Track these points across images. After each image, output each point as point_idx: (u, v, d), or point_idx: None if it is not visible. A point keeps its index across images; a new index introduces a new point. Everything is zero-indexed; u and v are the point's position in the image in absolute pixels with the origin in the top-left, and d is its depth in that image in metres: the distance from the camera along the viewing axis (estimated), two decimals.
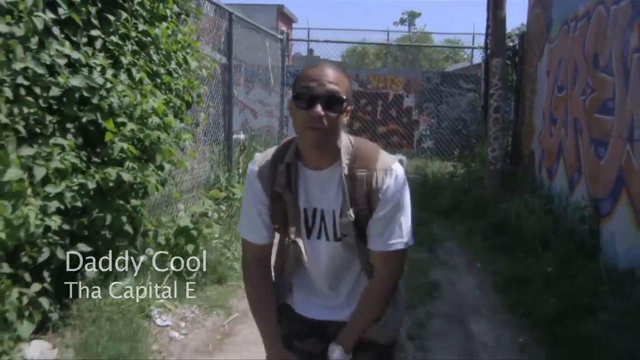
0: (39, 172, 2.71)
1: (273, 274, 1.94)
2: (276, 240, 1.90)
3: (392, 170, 1.71)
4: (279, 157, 1.76)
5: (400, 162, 1.77)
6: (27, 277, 2.79)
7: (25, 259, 2.77)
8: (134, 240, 3.89)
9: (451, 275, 5.21)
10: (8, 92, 2.52)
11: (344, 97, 1.64)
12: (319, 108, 1.59)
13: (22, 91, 2.62)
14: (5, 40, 2.50)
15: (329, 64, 1.70)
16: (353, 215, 1.69)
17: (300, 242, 1.76)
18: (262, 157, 1.81)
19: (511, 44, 9.59)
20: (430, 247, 6.00)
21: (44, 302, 2.91)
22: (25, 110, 2.66)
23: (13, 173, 2.42)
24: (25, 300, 2.76)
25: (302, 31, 24.66)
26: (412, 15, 44.63)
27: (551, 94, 7.18)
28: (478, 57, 16.19)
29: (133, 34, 3.61)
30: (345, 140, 1.74)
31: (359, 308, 1.80)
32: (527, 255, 5.17)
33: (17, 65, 2.53)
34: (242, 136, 7.85)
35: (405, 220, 1.74)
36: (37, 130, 2.85)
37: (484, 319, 4.26)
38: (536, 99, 8.09)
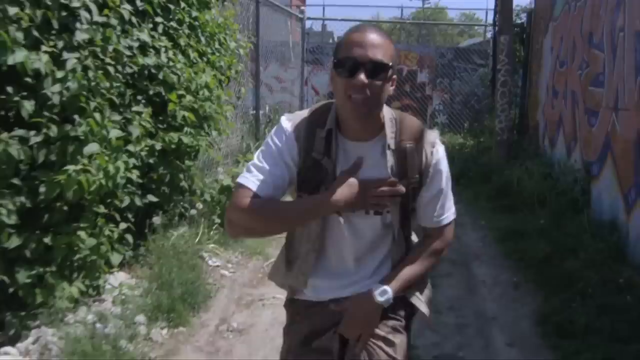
0: (135, 132, 3.42)
1: (284, 262, 1.83)
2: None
3: (439, 144, 1.69)
4: (317, 121, 1.65)
5: None
6: (117, 217, 3.52)
7: (116, 203, 3.50)
8: (187, 196, 4.62)
9: (458, 231, 5.80)
10: (110, 70, 3.22)
11: (389, 63, 1.53)
12: (362, 76, 1.49)
13: (111, 69, 3.31)
14: (103, 27, 3.18)
15: (373, 28, 1.57)
16: (403, 189, 1.61)
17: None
18: (296, 117, 1.69)
19: (519, 21, 10.11)
20: None
21: (129, 237, 3.65)
22: (114, 84, 3.36)
23: (115, 132, 3.13)
24: (115, 235, 3.50)
25: (317, 7, 25.07)
26: None
27: (553, 69, 7.76)
28: (491, 33, 16.65)
29: (187, 19, 4.28)
30: (388, 112, 1.67)
31: (409, 258, 1.73)
32: (525, 213, 5.84)
33: (111, 48, 3.22)
34: (266, 109, 8.53)
35: (451, 191, 1.74)
36: (119, 101, 3.55)
37: (484, 263, 4.96)
38: (541, 74, 8.67)
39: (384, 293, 1.65)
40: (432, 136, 1.68)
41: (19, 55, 2.68)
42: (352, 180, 1.57)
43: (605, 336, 3.34)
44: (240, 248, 4.91)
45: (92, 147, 3.09)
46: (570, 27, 6.96)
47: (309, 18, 10.87)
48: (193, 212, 4.77)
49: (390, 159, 1.62)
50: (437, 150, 1.67)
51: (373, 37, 1.52)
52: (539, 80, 8.79)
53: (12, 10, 2.58)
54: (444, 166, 1.68)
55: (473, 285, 4.49)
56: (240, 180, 1.61)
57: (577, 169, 5.92)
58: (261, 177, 1.60)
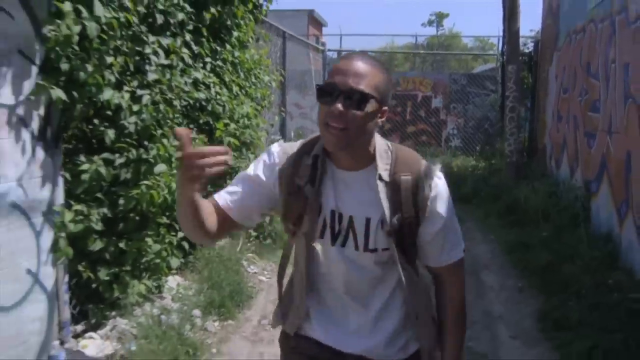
0: None
1: (280, 299, 1.78)
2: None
3: (438, 175, 1.59)
4: (306, 149, 1.60)
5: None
6: (176, 226, 4.15)
7: (174, 215, 4.13)
8: None
9: (469, 245, 6.44)
10: (176, 103, 3.89)
11: (371, 93, 1.44)
12: (339, 104, 1.42)
13: (176, 103, 3.98)
14: (166, 68, 3.86)
15: (362, 55, 1.51)
16: (397, 223, 1.52)
17: (319, 247, 1.58)
18: (288, 145, 1.65)
19: (527, 50, 10.73)
20: None
21: (186, 245, 4.28)
22: (176, 115, 4.02)
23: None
24: (175, 242, 4.13)
25: (333, 37, 25.84)
26: (440, 17, 45.53)
27: (558, 96, 8.36)
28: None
29: (230, 58, 4.97)
30: (381, 144, 1.59)
31: (448, 330, 1.66)
32: (531, 227, 6.39)
33: (174, 85, 3.90)
34: (291, 135, 9.19)
35: (457, 225, 1.66)
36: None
37: (492, 272, 5.51)
38: (548, 100, 9.26)
39: None
40: (431, 169, 1.58)
41: (107, 94, 3.34)
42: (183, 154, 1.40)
43: (595, 328, 3.87)
44: (274, 258, 5.52)
45: (161, 167, 3.74)
46: (572, 57, 7.57)
47: (329, 50, 11.59)
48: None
49: (382, 191, 1.53)
50: (435, 184, 1.56)
51: (358, 65, 1.45)
52: (546, 105, 9.39)
53: (109, 59, 3.25)
54: (445, 201, 1.59)
55: (482, 290, 5.04)
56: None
57: (578, 187, 6.47)
58: (229, 190, 1.61)
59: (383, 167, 1.55)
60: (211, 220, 1.55)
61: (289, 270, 1.75)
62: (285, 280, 1.77)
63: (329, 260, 1.59)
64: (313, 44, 10.61)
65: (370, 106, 1.45)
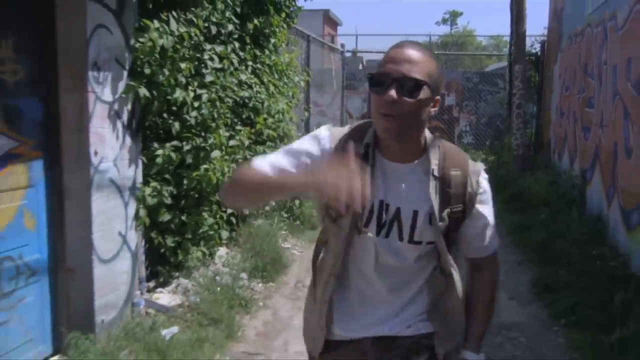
0: (245, 142, 4.88)
1: (311, 297, 1.78)
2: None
3: (484, 175, 1.63)
4: (357, 136, 1.59)
5: None
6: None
7: None
8: None
9: None
10: (228, 101, 4.68)
11: (424, 80, 1.43)
12: (392, 92, 1.41)
13: (229, 100, 4.76)
14: (219, 71, 4.65)
15: (413, 43, 1.50)
16: (446, 219, 1.55)
17: (363, 235, 1.57)
18: (337, 130, 1.63)
19: (534, 51, 11.41)
20: None
21: (233, 220, 5.07)
22: (225, 111, 4.81)
23: (232, 142, 4.56)
24: (225, 217, 4.91)
25: (348, 37, 26.50)
26: (454, 15, 46.05)
27: (561, 93, 9.04)
28: None
29: (267, 62, 5.74)
30: (431, 136, 1.60)
31: (480, 310, 1.72)
32: (532, 212, 7.10)
33: (226, 85, 4.68)
34: (314, 129, 9.96)
35: (494, 220, 1.70)
36: (229, 122, 4.99)
37: None
38: (552, 97, 9.94)
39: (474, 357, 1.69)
40: (478, 166, 1.63)
41: (178, 93, 4.12)
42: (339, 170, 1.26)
43: (579, 290, 4.59)
44: (303, 237, 6.30)
45: (216, 154, 4.52)
46: (572, 58, 8.25)
47: (347, 51, 12.35)
48: (267, 207, 6.19)
49: (433, 185, 1.54)
50: (482, 180, 1.61)
51: (410, 52, 1.45)
52: (551, 102, 10.07)
53: (183, 65, 4.04)
54: (490, 197, 1.64)
55: None
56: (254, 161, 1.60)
57: (576, 176, 7.18)
58: (268, 159, 1.58)
59: (434, 162, 1.55)
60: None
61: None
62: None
63: (369, 249, 1.58)
64: (332, 44, 11.37)
65: (424, 93, 1.44)
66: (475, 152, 12.48)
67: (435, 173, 1.55)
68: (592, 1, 7.15)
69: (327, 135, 1.61)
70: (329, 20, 30.68)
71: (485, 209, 1.63)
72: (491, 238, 1.68)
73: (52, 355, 3.50)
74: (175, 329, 3.77)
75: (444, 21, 45.86)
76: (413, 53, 1.45)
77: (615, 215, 5.51)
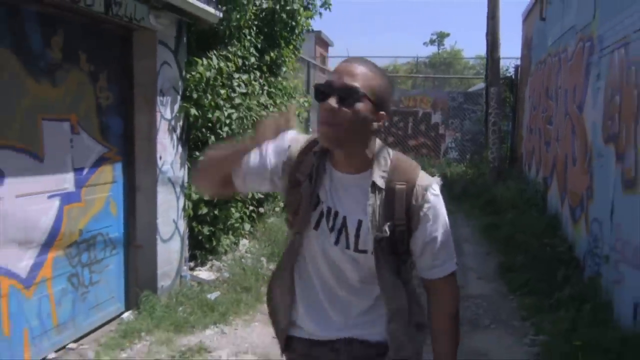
0: None
1: (273, 294, 1.78)
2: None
3: (434, 187, 1.59)
4: (312, 145, 1.63)
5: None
6: (247, 202, 6.07)
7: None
8: (275, 198, 7.19)
9: (454, 228, 8.36)
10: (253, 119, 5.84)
11: (364, 92, 1.47)
12: (331, 100, 1.46)
13: (253, 118, 5.92)
14: (245, 95, 5.81)
15: (361, 59, 1.55)
16: (388, 231, 1.54)
17: (312, 237, 1.61)
18: (300, 136, 1.69)
19: (509, 74, 12.71)
20: None
21: (255, 215, 6.21)
22: (249, 127, 5.97)
23: None
24: (247, 213, 6.05)
25: (339, 57, 27.84)
26: (441, 36, 47.75)
27: (530, 113, 10.31)
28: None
29: (279, 86, 6.92)
30: (382, 151, 1.62)
31: (439, 338, 1.65)
32: (502, 214, 8.30)
33: (250, 106, 5.85)
34: None
35: (450, 238, 1.63)
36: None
37: (470, 243, 7.42)
38: (524, 116, 11.21)
39: None
40: (428, 180, 1.61)
41: (217, 113, 5.28)
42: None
43: (532, 269, 5.75)
44: None
45: None
46: (538, 82, 9.53)
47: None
48: (277, 209, 7.34)
49: (373, 197, 1.56)
50: (430, 194, 1.57)
51: (355, 66, 1.50)
52: (523, 121, 11.33)
53: (222, 91, 5.21)
54: (438, 212, 1.59)
55: (460, 255, 6.93)
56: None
57: (539, 183, 8.40)
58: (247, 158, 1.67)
59: (379, 174, 1.57)
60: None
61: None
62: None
63: (323, 252, 1.62)
64: (329, 68, 12.64)
65: (363, 106, 1.47)
66: (457, 166, 13.69)
67: (380, 185, 1.56)
68: (552, 35, 8.43)
69: (288, 138, 1.68)
70: (321, 41, 31.82)
71: (430, 222, 1.57)
72: (442, 259, 1.61)
73: (125, 311, 4.61)
74: (217, 293, 4.90)
75: (432, 42, 47.53)
76: (357, 67, 1.50)
77: (566, 212, 6.71)
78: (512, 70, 12.83)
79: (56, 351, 3.83)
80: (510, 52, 28.50)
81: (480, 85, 25.39)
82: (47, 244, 3.71)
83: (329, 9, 7.93)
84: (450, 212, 1.67)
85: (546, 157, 8.32)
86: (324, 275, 1.65)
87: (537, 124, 9.42)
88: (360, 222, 1.58)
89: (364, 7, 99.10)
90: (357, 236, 1.58)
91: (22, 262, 3.50)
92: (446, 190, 11.75)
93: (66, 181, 3.88)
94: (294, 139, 1.68)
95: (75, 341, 4.02)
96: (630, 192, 4.29)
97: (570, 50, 6.92)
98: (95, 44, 4.13)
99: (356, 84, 1.47)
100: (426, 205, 1.57)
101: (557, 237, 6.57)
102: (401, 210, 1.56)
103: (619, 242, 4.45)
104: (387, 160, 1.60)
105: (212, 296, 4.82)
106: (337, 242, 1.60)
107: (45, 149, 3.65)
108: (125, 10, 4.04)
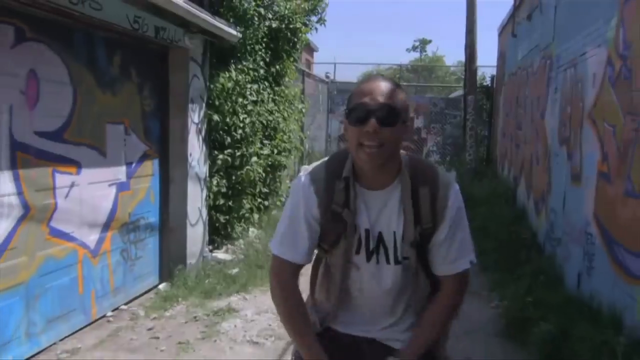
0: (278, 157, 6.99)
1: (311, 299, 1.86)
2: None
3: (453, 186, 1.67)
4: (335, 172, 1.65)
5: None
6: (256, 195, 6.99)
7: (257, 188, 6.98)
8: (280, 191, 8.12)
9: None
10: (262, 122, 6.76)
11: (399, 110, 1.53)
12: (373, 122, 1.49)
13: (263, 122, 6.84)
14: (255, 103, 6.74)
15: (383, 77, 1.61)
16: (418, 237, 1.62)
17: (356, 263, 1.68)
18: (314, 170, 1.70)
19: (486, 83, 13.80)
20: None
21: (262, 207, 7.13)
22: (259, 130, 6.89)
23: (265, 150, 6.66)
24: (256, 204, 6.97)
25: (325, 64, 28.93)
26: (424, 43, 49.06)
27: (504, 119, 11.37)
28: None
29: (282, 94, 7.85)
30: (404, 158, 1.66)
31: (425, 322, 1.70)
32: (476, 209, 9.31)
33: (260, 112, 6.77)
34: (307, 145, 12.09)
35: (468, 236, 1.71)
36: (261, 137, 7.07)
37: None
38: (499, 122, 12.28)
39: None
40: (447, 178, 1.67)
41: (234, 118, 6.20)
42: None
43: (499, 252, 6.74)
44: None
45: (253, 159, 6.60)
46: (510, 91, 10.60)
47: (332, 81, 14.59)
48: (279, 203, 8.27)
49: (402, 207, 1.62)
50: (451, 193, 1.64)
51: (383, 84, 1.55)
52: (498, 126, 12.41)
53: (240, 99, 6.13)
54: (457, 209, 1.66)
55: None
56: (274, 251, 1.71)
57: (510, 181, 9.44)
58: (292, 240, 1.67)
59: (405, 182, 1.62)
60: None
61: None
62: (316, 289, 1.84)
63: (363, 275, 1.68)
64: (320, 77, 13.64)
65: (400, 121, 1.54)
66: (439, 167, 14.68)
67: (408, 193, 1.61)
68: (521, 50, 9.49)
69: (307, 181, 1.67)
70: (307, 48, 32.82)
71: (450, 219, 1.63)
72: (458, 253, 1.67)
73: (159, 283, 5.50)
74: (236, 269, 5.82)
75: (414, 48, 48.81)
76: (385, 85, 1.55)
77: (531, 205, 7.74)
78: (489, 80, 13.92)
79: (112, 311, 4.73)
80: (491, 60, 29.69)
81: (461, 91, 26.47)
82: (107, 224, 4.62)
83: (324, 24, 8.88)
84: None
85: (516, 158, 9.36)
86: (364, 293, 1.72)
87: (509, 129, 10.48)
88: (395, 234, 1.65)
89: (349, 14, 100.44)
90: (395, 249, 1.65)
91: (91, 236, 4.40)
92: None
93: (120, 173, 4.79)
94: (311, 175, 1.69)
95: (126, 304, 4.92)
96: (576, 184, 5.30)
97: (535, 65, 7.97)
98: (141, 61, 5.03)
99: (391, 102, 1.54)
100: (449, 205, 1.64)
101: (523, 226, 7.59)
102: (427, 213, 1.62)
103: (568, 226, 5.46)
104: (407, 167, 1.65)
105: (232, 272, 5.74)
106: (378, 261, 1.67)
107: (107, 146, 4.56)
108: (168, 34, 4.96)
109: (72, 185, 4.12)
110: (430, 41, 48.91)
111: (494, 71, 14.17)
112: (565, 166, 5.72)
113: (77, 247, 4.21)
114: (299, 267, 1.70)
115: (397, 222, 1.64)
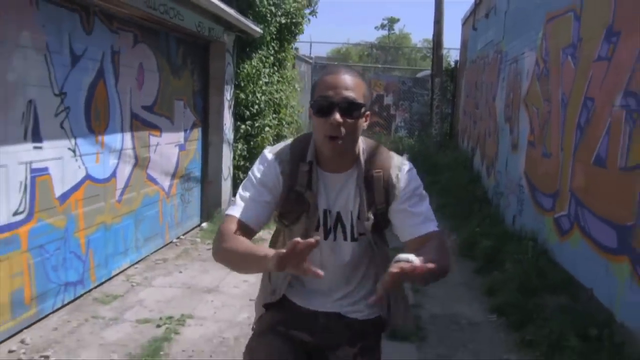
0: (286, 126, 8.67)
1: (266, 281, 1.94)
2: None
3: (405, 166, 1.79)
4: (300, 155, 1.77)
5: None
6: None
7: None
8: None
9: None
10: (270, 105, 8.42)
11: (361, 102, 1.65)
12: (337, 115, 1.60)
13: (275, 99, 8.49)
14: (268, 83, 8.38)
15: (345, 69, 1.71)
16: (372, 217, 1.74)
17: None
18: (280, 151, 1.79)
19: (451, 67, 15.67)
20: None
21: None
22: (270, 106, 8.54)
23: (274, 122, 8.32)
24: None
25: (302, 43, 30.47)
26: (392, 21, 50.66)
27: (465, 99, 13.26)
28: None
29: (284, 76, 9.49)
30: (362, 142, 1.79)
31: (431, 252, 1.60)
32: (442, 174, 11.22)
33: (272, 90, 8.42)
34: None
35: (429, 211, 1.79)
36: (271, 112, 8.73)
37: None
38: (461, 101, 14.17)
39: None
40: (398, 161, 1.79)
41: (255, 96, 7.85)
42: (283, 253, 1.40)
43: (459, 205, 8.61)
44: None
45: (267, 129, 8.27)
46: (470, 76, 12.46)
47: (315, 63, 16.22)
48: None
49: (358, 190, 1.75)
50: (404, 170, 1.77)
51: (346, 77, 1.65)
52: (460, 105, 14.30)
53: (260, 82, 7.78)
54: (411, 185, 1.76)
55: None
56: (227, 211, 1.75)
57: (468, 152, 11.35)
58: (244, 205, 1.71)
59: (361, 167, 1.75)
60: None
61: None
62: None
63: (323, 250, 1.78)
64: (307, 58, 15.26)
65: (361, 113, 1.67)
66: (407, 140, 16.61)
67: (362, 177, 1.75)
68: (480, 42, 11.33)
69: (271, 158, 1.77)
70: None
71: (405, 195, 1.75)
72: (422, 219, 1.75)
73: (200, 223, 7.18)
74: None
75: (382, 26, 50.36)
76: (349, 78, 1.66)
77: (484, 170, 9.65)
78: (453, 63, 15.76)
79: (176, 239, 6.42)
80: (456, 43, 31.64)
81: (428, 71, 28.27)
82: (174, 174, 6.28)
83: (316, 15, 10.53)
84: None
85: (474, 133, 11.27)
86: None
87: (469, 108, 12.38)
88: (351, 214, 1.77)
89: None
90: (351, 227, 1.78)
91: (166, 182, 6.07)
92: None
93: (181, 137, 6.43)
94: (277, 155, 1.77)
95: (183, 234, 6.61)
96: (514, 152, 7.18)
97: (490, 57, 9.81)
98: (193, 52, 6.64)
99: (353, 95, 1.64)
100: (401, 185, 1.75)
101: (477, 187, 9.50)
102: (380, 194, 1.76)
103: (508, 182, 7.36)
104: (364, 153, 1.79)
105: None
106: (335, 238, 1.79)
107: (174, 117, 6.19)
108: (215, 32, 6.58)
109: (157, 144, 5.77)
110: (398, 20, 50.57)
111: (458, 55, 16.05)
112: (508, 138, 7.60)
113: (159, 189, 5.88)
114: (248, 228, 1.70)
115: (354, 203, 1.77)
